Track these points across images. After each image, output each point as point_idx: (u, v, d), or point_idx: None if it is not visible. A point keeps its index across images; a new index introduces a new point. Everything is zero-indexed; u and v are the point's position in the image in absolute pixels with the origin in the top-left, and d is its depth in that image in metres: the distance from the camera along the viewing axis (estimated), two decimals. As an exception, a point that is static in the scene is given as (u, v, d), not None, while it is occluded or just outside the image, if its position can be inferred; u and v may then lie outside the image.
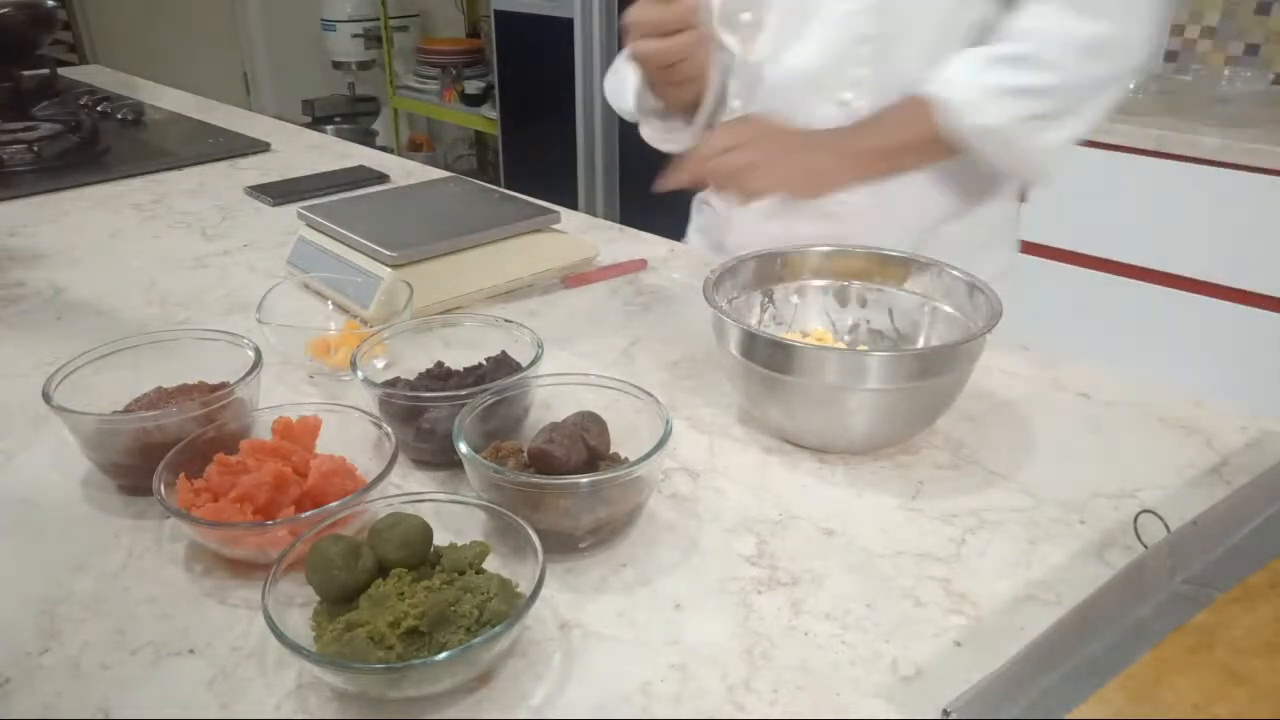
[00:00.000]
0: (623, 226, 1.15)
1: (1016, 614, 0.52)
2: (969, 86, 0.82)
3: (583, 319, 0.89)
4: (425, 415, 0.63)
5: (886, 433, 0.66)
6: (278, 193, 1.23)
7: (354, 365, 0.65)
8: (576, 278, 0.97)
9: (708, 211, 1.10)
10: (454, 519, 0.54)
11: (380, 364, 0.72)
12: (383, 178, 1.30)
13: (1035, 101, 0.81)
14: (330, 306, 0.89)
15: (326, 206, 0.98)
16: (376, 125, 3.91)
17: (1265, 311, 1.66)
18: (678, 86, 0.86)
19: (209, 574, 0.55)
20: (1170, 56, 2.09)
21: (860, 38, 0.86)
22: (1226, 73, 1.87)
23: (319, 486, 0.56)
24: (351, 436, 0.61)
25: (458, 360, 0.69)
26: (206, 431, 0.60)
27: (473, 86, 3.36)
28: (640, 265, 1.01)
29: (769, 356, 0.63)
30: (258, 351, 0.67)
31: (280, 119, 1.73)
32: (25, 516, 0.60)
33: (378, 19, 3.64)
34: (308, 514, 0.54)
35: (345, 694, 0.47)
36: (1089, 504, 0.61)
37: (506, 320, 0.73)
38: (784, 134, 0.85)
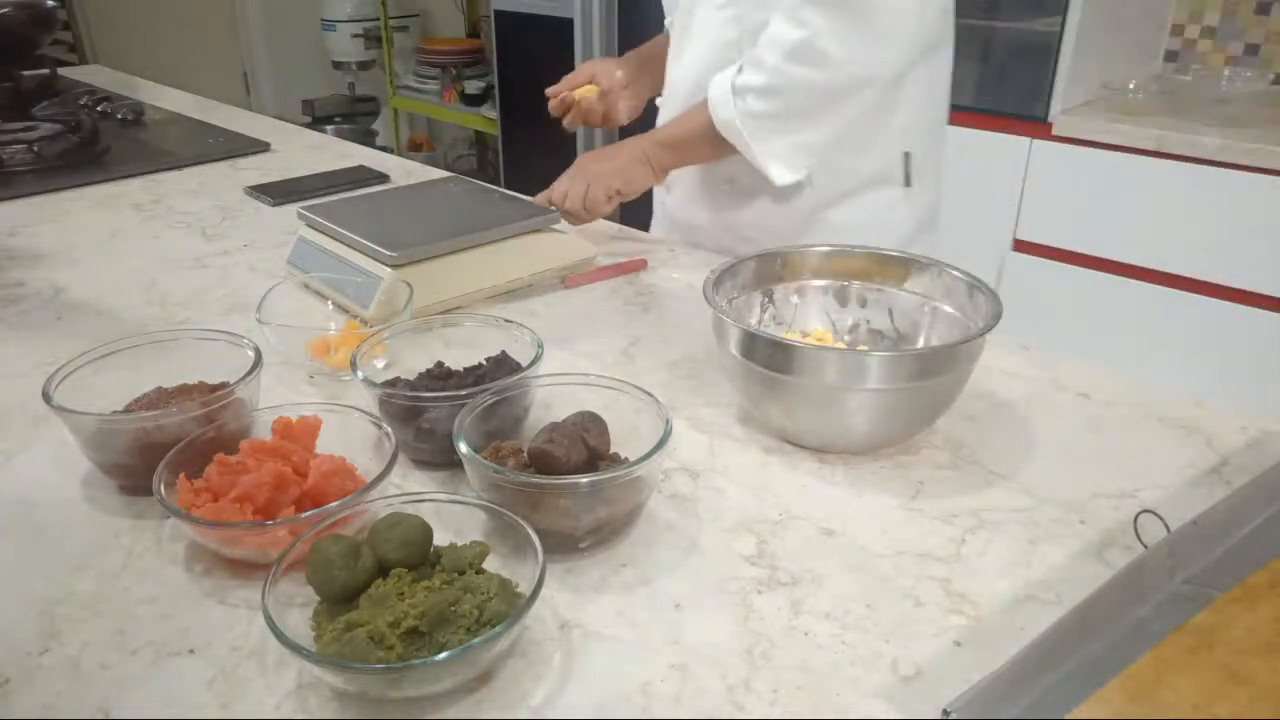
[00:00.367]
0: (622, 226, 1.15)
1: (1016, 614, 0.52)
2: (719, 84, 0.93)
3: (583, 319, 0.89)
4: (425, 415, 0.63)
5: (886, 433, 0.66)
6: (278, 193, 1.23)
7: (354, 365, 0.65)
8: (576, 278, 0.97)
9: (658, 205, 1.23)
10: (454, 519, 0.54)
11: (380, 364, 0.72)
12: (383, 178, 1.30)
13: (757, 101, 0.90)
14: (330, 306, 0.89)
15: (326, 206, 0.98)
16: (376, 125, 3.91)
17: (1265, 311, 1.66)
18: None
19: (209, 574, 0.55)
20: (1170, 56, 2.09)
21: (727, 42, 0.97)
22: (1226, 73, 1.87)
23: (319, 486, 0.56)
24: (351, 436, 0.61)
25: (458, 360, 0.69)
26: (206, 431, 0.60)
27: (473, 86, 3.36)
28: (640, 265, 1.01)
29: (769, 356, 0.63)
30: (258, 351, 0.67)
31: (280, 119, 1.73)
32: (25, 516, 0.60)
33: (378, 19, 3.64)
34: (308, 514, 0.54)
35: (345, 694, 0.47)
36: (1089, 504, 0.61)
37: (506, 320, 0.73)
38: (596, 158, 1.02)
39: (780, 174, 0.94)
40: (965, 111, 1.88)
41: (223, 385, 0.65)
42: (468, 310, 0.89)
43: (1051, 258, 1.87)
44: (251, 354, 0.67)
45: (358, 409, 0.63)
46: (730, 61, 0.95)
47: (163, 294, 0.94)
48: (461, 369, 0.68)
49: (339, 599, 0.48)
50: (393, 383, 0.66)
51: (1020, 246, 1.91)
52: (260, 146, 1.46)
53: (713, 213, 1.07)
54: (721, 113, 0.93)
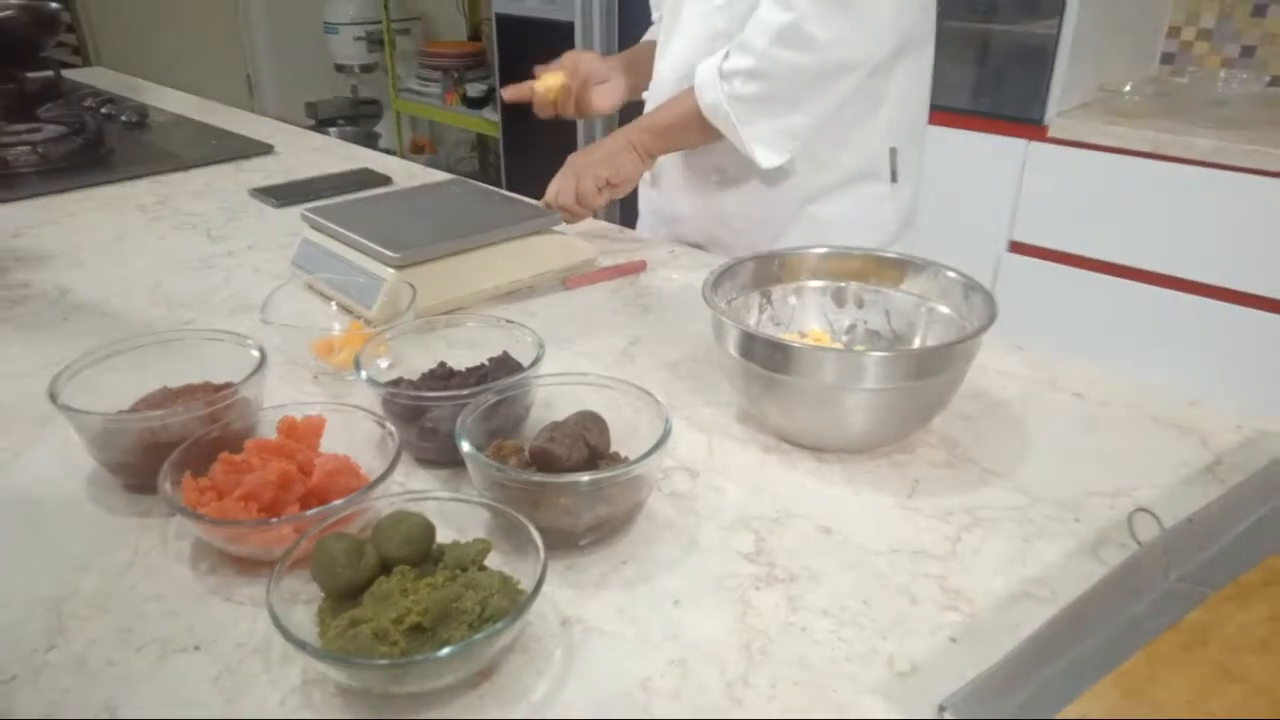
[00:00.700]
0: (623, 228, 1.16)
1: (1011, 611, 0.53)
2: (706, 69, 0.94)
3: (583, 319, 0.90)
4: (428, 415, 0.63)
5: (883, 432, 0.67)
6: (282, 195, 1.24)
7: (358, 365, 0.66)
8: (577, 279, 0.97)
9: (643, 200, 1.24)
10: (456, 517, 0.55)
11: (384, 364, 0.72)
12: (385, 180, 1.31)
13: (744, 84, 0.91)
14: (334, 307, 0.89)
15: (330, 208, 0.99)
16: (379, 128, 3.92)
17: (1261, 312, 1.66)
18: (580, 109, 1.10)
19: (214, 572, 0.56)
20: (1166, 59, 2.10)
21: (716, 34, 0.98)
22: (1223, 75, 1.87)
23: (323, 485, 0.57)
24: (355, 435, 0.62)
25: (460, 360, 0.70)
26: (211, 431, 0.60)
27: (474, 89, 3.37)
28: (640, 266, 1.01)
29: (767, 357, 0.64)
30: (262, 352, 0.68)
31: (283, 121, 1.73)
32: (31, 515, 0.61)
33: (380, 22, 3.64)
34: (312, 512, 0.54)
35: (349, 690, 0.47)
36: (1084, 502, 0.62)
37: (508, 321, 0.73)
38: (583, 153, 1.02)
39: (765, 157, 0.95)
40: (961, 114, 1.89)
41: (227, 385, 0.65)
42: (470, 311, 0.90)
43: (1047, 259, 1.87)
44: (256, 354, 0.68)
45: (361, 408, 0.63)
46: (718, 51, 0.96)
47: (168, 295, 0.95)
48: (464, 369, 0.69)
49: (343, 596, 0.49)
50: (396, 383, 0.67)
51: (1016, 248, 1.91)
52: (264, 149, 1.47)
53: (700, 203, 1.08)
54: (708, 97, 0.94)
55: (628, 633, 0.51)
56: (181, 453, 0.58)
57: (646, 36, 1.20)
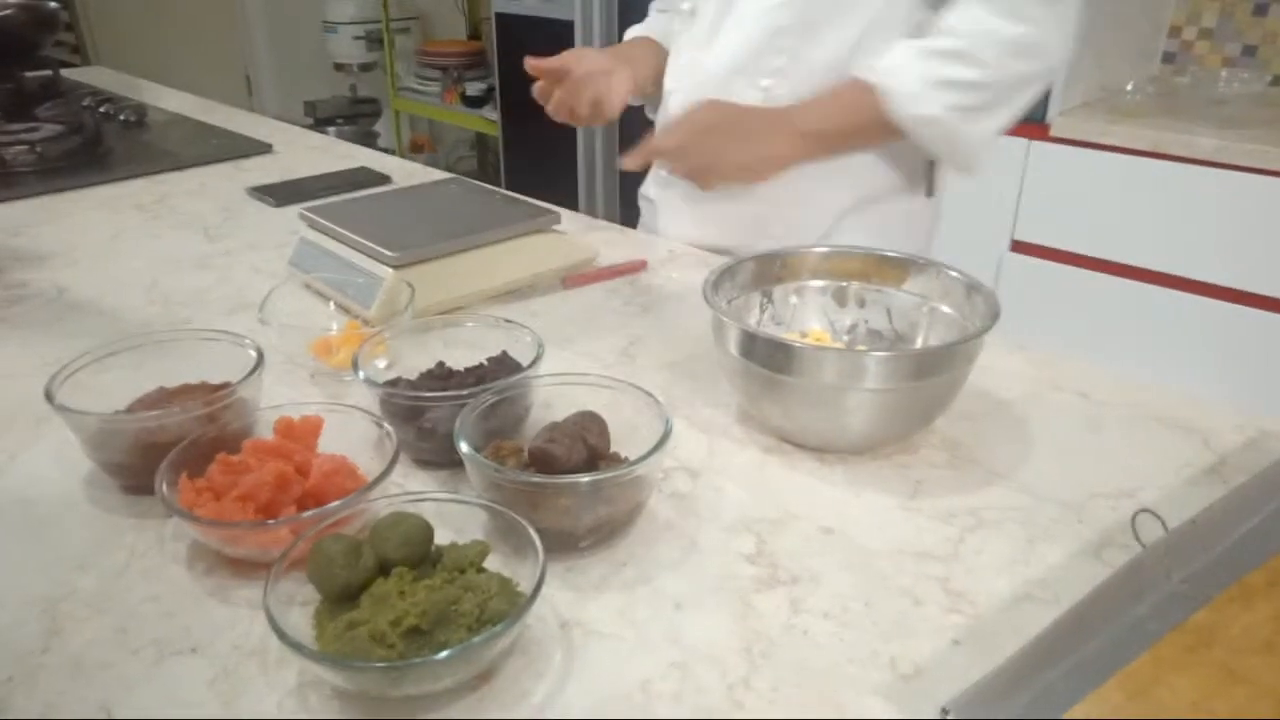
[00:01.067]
0: (623, 227, 1.16)
1: (1015, 613, 0.52)
2: (911, 78, 0.88)
3: (583, 319, 0.89)
4: (426, 415, 0.63)
5: (885, 432, 0.66)
6: (280, 194, 1.23)
7: (356, 365, 0.66)
8: (577, 278, 0.97)
9: (645, 204, 1.18)
10: (455, 518, 0.54)
11: (382, 364, 0.72)
12: (384, 179, 1.30)
13: (967, 94, 0.88)
14: (332, 307, 0.89)
15: (328, 207, 0.99)
16: (378, 127, 3.91)
17: (1263, 312, 1.66)
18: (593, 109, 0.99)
19: (211, 573, 0.55)
20: (1167, 58, 2.09)
21: (779, 29, 0.93)
22: (1224, 74, 1.87)
23: (320, 486, 0.56)
24: (353, 436, 0.61)
25: (459, 360, 0.70)
26: (208, 431, 0.60)
27: (474, 88, 3.36)
28: (640, 266, 1.01)
29: (768, 356, 0.63)
30: (260, 351, 0.68)
31: (282, 120, 1.73)
32: (27, 516, 0.61)
33: (379, 21, 3.64)
34: (309, 513, 0.54)
35: (346, 692, 0.47)
36: (1087, 503, 0.62)
37: (507, 320, 0.73)
38: (732, 123, 0.90)
39: (981, 165, 0.92)
40: (964, 113, 1.88)
41: (225, 385, 0.65)
42: (469, 311, 0.89)
43: (1049, 258, 1.87)
44: (253, 354, 0.67)
45: (359, 409, 0.63)
46: (780, 50, 0.92)
47: (165, 294, 0.94)
48: (462, 369, 0.69)
49: (340, 598, 0.48)
50: (394, 383, 0.67)
51: (1018, 247, 1.91)
52: (262, 148, 1.47)
53: (737, 208, 1.01)
54: (921, 108, 0.87)
55: (628, 635, 0.51)
56: (178, 453, 0.58)
57: (640, 31, 1.14)
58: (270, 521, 0.54)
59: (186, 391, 0.65)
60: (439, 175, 1.28)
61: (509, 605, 0.47)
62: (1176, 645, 0.45)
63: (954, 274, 0.72)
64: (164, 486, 0.55)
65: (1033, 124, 1.82)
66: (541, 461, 0.57)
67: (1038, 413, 0.73)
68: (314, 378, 0.77)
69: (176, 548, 0.57)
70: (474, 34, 3.73)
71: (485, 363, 0.69)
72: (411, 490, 0.60)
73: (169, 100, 1.80)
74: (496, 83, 2.99)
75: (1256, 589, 0.49)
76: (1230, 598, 0.48)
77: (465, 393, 0.62)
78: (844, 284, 0.78)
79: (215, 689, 0.47)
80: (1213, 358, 1.72)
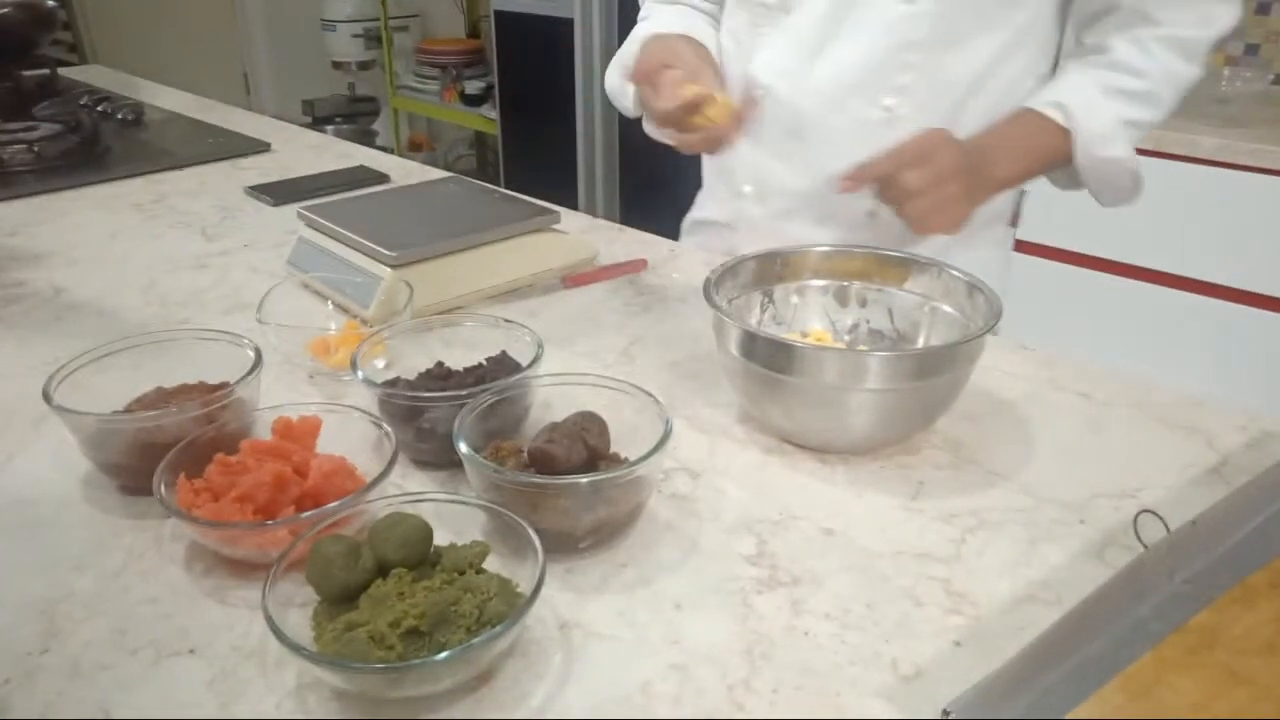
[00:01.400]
0: (623, 226, 1.15)
1: (1016, 614, 0.52)
2: (1104, 120, 0.84)
3: (583, 319, 0.89)
4: (425, 415, 0.63)
5: (886, 433, 0.66)
6: (278, 193, 1.23)
7: (354, 365, 0.65)
8: (576, 278, 0.97)
9: (701, 228, 1.09)
10: (454, 519, 0.54)
11: (380, 364, 0.72)
12: (383, 178, 1.30)
13: (1144, 132, 0.87)
14: (330, 306, 0.89)
15: (327, 207, 0.98)
16: (376, 125, 3.91)
17: (1265, 311, 1.66)
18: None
19: (209, 574, 0.55)
20: (1170, 57, 2.09)
21: (909, 43, 0.83)
22: (1226, 73, 1.87)
23: (319, 486, 0.56)
24: (352, 436, 0.61)
25: (458, 360, 0.69)
26: (207, 431, 0.60)
27: (473, 87, 3.36)
28: (640, 265, 1.01)
29: (769, 356, 0.63)
30: (258, 351, 0.67)
31: (280, 119, 1.73)
32: (25, 516, 0.60)
33: (377, 19, 3.64)
34: (308, 514, 0.54)
35: (345, 694, 0.47)
36: (1089, 504, 0.61)
37: (506, 320, 0.73)
38: (970, 172, 0.79)
39: (1139, 195, 0.91)
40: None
41: (223, 385, 0.65)
42: (468, 310, 0.89)
43: (1050, 258, 1.87)
44: (252, 354, 0.67)
45: (358, 409, 0.63)
46: (907, 66, 0.84)
47: (163, 294, 0.94)
48: (461, 369, 0.68)
49: (339, 599, 0.48)
50: (393, 383, 0.66)
51: (1019, 246, 1.91)
52: (260, 146, 1.46)
53: (835, 235, 0.92)
54: (1110, 150, 0.84)
55: (628, 636, 0.50)
56: (176, 454, 0.57)
57: (656, 30, 0.95)
58: (269, 522, 0.54)
59: (184, 392, 0.65)
60: (438, 174, 1.28)
61: (508, 606, 0.47)
62: (1178, 646, 0.45)
63: (955, 273, 0.72)
64: (162, 487, 0.55)
65: (1033, 123, 1.81)
66: (541, 462, 0.57)
67: (1039, 413, 0.72)
68: (312, 378, 0.77)
69: (175, 548, 0.57)
70: (473, 32, 3.73)
71: (484, 363, 0.69)
72: (410, 491, 0.60)
73: (167, 99, 1.80)
74: (495, 81, 2.98)
75: (1259, 590, 0.48)
76: (1232, 599, 0.48)
77: (464, 393, 0.62)
78: (845, 284, 0.78)
79: (214, 690, 0.47)
80: (1215, 358, 1.72)
